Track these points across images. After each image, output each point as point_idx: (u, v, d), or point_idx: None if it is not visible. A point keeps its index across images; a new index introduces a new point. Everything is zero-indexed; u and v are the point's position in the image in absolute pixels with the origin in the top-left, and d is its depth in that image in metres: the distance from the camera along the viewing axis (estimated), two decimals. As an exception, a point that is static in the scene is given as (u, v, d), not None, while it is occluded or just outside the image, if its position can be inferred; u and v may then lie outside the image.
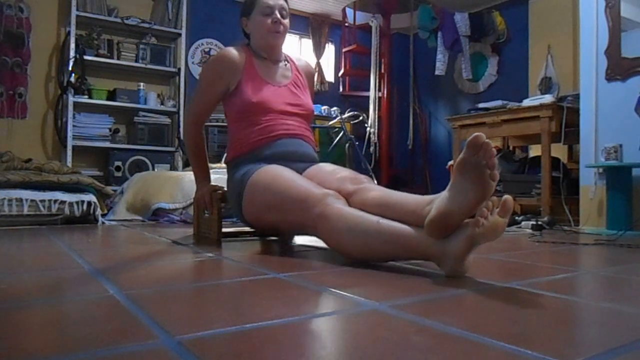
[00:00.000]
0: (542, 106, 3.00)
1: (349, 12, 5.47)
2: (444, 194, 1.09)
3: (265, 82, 1.75)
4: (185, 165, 4.15)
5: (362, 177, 1.47)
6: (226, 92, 1.76)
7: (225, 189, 1.81)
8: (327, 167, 1.63)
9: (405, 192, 1.30)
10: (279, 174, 1.52)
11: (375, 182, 4.18)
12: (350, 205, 1.34)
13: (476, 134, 1.01)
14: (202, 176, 1.86)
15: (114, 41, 4.15)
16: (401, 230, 1.16)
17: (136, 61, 4.16)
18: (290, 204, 1.41)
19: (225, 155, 1.88)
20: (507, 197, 0.99)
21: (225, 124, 4.28)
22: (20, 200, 2.42)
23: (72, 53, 3.81)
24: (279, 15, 1.76)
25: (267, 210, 1.52)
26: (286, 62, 1.87)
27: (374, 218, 1.22)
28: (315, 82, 5.44)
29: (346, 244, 1.26)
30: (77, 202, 2.58)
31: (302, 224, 1.40)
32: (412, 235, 1.14)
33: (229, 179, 1.75)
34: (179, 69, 4.30)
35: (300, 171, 1.62)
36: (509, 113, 3.21)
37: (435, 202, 1.10)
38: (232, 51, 1.76)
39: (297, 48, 5.55)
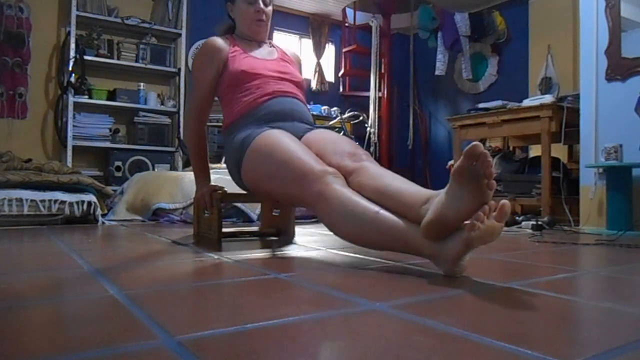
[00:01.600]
0: (542, 106, 3.00)
1: (349, 12, 5.47)
2: (442, 196, 1.08)
3: (251, 57, 1.80)
4: (185, 165, 4.15)
5: (362, 152, 1.45)
6: (218, 78, 1.78)
7: (226, 189, 1.81)
8: (327, 135, 1.61)
9: (403, 179, 1.29)
10: (280, 142, 1.51)
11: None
12: (348, 184, 1.33)
13: (474, 143, 1.02)
14: (203, 176, 1.86)
15: (114, 41, 4.15)
16: (398, 225, 1.16)
17: (136, 61, 4.16)
18: (289, 177, 1.41)
19: (223, 125, 1.88)
20: (504, 202, 0.99)
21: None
22: (21, 200, 2.42)
23: (72, 53, 3.81)
24: (262, 5, 1.79)
25: (267, 178, 1.52)
26: (272, 47, 1.92)
27: (374, 208, 1.21)
28: (314, 82, 5.44)
29: (344, 229, 1.27)
30: (77, 202, 2.58)
31: (300, 199, 1.40)
32: (408, 232, 1.14)
33: (227, 145, 1.76)
34: (179, 69, 4.30)
35: (299, 134, 1.63)
36: (509, 113, 3.21)
37: (432, 204, 1.10)
38: (215, 39, 1.81)
39: (297, 48, 5.55)
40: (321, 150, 1.49)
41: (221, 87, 1.79)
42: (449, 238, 1.07)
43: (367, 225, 1.20)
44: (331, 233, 1.32)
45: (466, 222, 1.05)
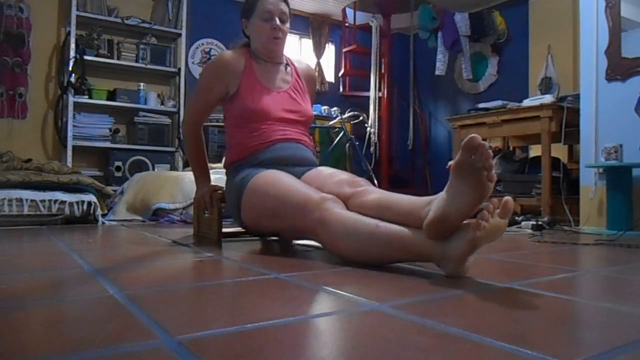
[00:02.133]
0: (542, 106, 3.00)
1: (349, 12, 5.47)
2: (442, 195, 1.08)
3: (264, 88, 1.73)
4: (185, 165, 4.15)
5: (361, 180, 1.46)
6: (225, 95, 1.75)
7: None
8: (326, 170, 1.63)
9: (404, 194, 1.30)
10: (278, 179, 1.51)
11: (376, 182, 4.19)
12: (348, 208, 1.34)
13: (471, 135, 1.01)
14: (202, 176, 1.86)
15: (114, 41, 4.15)
16: (400, 232, 1.16)
17: (136, 61, 4.16)
18: (289, 209, 1.41)
19: (223, 159, 1.87)
20: (507, 198, 0.99)
21: (223, 125, 4.28)
22: (21, 200, 2.42)
23: (72, 53, 3.81)
24: (278, 22, 1.72)
25: (266, 215, 1.52)
26: (287, 66, 1.85)
27: (373, 222, 1.21)
28: (316, 83, 5.45)
29: (346, 248, 1.26)
30: (77, 202, 2.58)
31: (301, 229, 1.40)
32: (411, 237, 1.14)
33: (227, 183, 1.74)
34: (179, 69, 4.30)
35: (299, 175, 1.62)
36: (509, 113, 3.21)
37: (433, 204, 1.10)
38: (232, 55, 1.75)
39: (297, 48, 5.55)
40: (321, 184, 1.50)
41: (229, 115, 1.76)
42: (453, 238, 1.07)
43: (369, 240, 1.20)
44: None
45: (469, 221, 1.05)
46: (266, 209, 1.51)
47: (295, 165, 1.68)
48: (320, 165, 1.76)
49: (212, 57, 1.85)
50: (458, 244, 1.05)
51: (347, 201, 1.37)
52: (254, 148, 1.68)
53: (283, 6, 1.74)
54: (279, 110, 1.72)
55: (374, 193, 1.35)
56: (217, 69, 1.73)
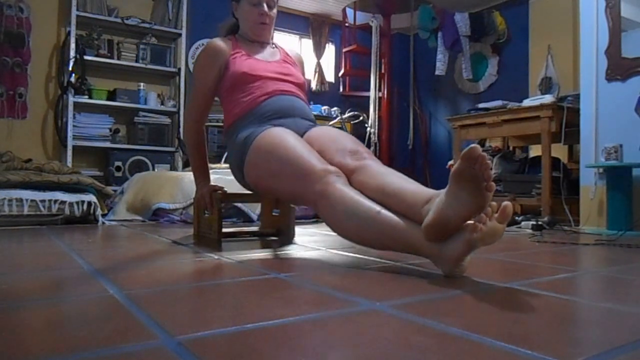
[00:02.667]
0: (542, 106, 2.99)
1: (349, 12, 5.47)
2: (442, 197, 1.08)
3: (253, 58, 1.79)
4: (185, 165, 4.15)
5: (363, 150, 1.45)
6: (219, 80, 1.78)
7: (226, 189, 1.81)
8: (329, 132, 1.60)
9: (404, 177, 1.29)
10: (282, 139, 1.50)
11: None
12: (351, 183, 1.33)
13: (472, 145, 1.01)
14: (202, 176, 1.86)
15: (114, 41, 4.15)
16: (399, 225, 1.16)
17: (136, 61, 4.16)
18: (291, 175, 1.41)
19: (223, 132, 1.88)
20: (506, 203, 0.99)
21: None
22: (21, 200, 2.42)
23: (72, 53, 3.81)
24: (266, 8, 1.79)
25: (269, 176, 1.53)
26: (274, 46, 1.91)
27: (374, 208, 1.21)
28: (314, 82, 5.44)
29: (345, 227, 1.27)
30: (77, 202, 2.58)
31: (302, 197, 1.40)
32: (409, 232, 1.14)
33: (229, 145, 1.76)
34: (179, 69, 4.30)
35: (302, 131, 1.62)
36: (509, 113, 3.21)
37: (433, 204, 1.10)
38: (218, 41, 1.81)
39: (297, 48, 5.55)
40: (323, 147, 1.49)
41: (222, 89, 1.79)
42: (450, 239, 1.07)
43: (368, 225, 1.20)
44: (332, 233, 1.33)
45: (467, 222, 1.05)
46: (269, 169, 1.51)
47: (297, 117, 1.69)
48: None
49: (200, 52, 1.85)
50: (455, 245, 1.05)
51: (350, 175, 1.36)
52: (251, 103, 1.70)
53: None
54: (270, 72, 1.76)
55: (377, 175, 1.32)
56: (207, 55, 1.78)
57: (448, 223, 1.05)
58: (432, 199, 1.12)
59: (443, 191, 1.09)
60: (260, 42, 1.86)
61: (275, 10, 1.84)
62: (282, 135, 1.53)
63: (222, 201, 1.79)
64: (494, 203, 1.01)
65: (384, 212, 1.19)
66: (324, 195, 1.30)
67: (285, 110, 1.69)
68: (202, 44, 4.72)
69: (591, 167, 2.65)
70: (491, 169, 1.01)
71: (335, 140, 1.53)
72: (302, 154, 1.42)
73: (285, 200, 1.61)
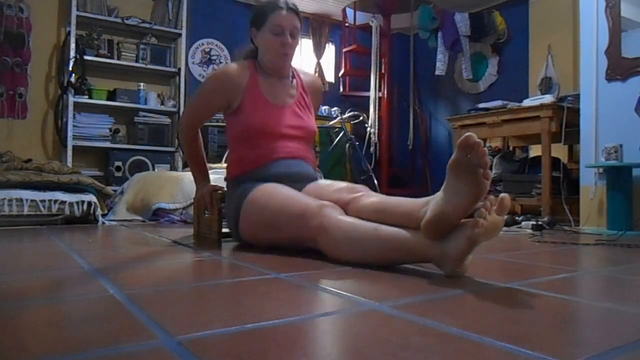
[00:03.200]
0: (542, 106, 3.00)
1: (349, 12, 5.47)
2: (439, 194, 1.09)
3: (268, 103, 1.69)
4: (185, 165, 4.15)
5: (360, 186, 1.48)
6: (226, 107, 1.72)
7: (226, 189, 1.81)
8: (324, 181, 1.64)
9: (402, 197, 1.31)
10: (276, 191, 1.50)
11: (376, 182, 4.18)
12: (347, 213, 1.34)
13: (467, 134, 1.01)
14: (201, 176, 1.86)
15: (114, 41, 4.15)
16: (398, 234, 1.16)
17: (136, 61, 4.16)
18: (288, 219, 1.41)
19: (225, 169, 1.84)
20: (504, 195, 1.00)
21: (223, 125, 4.28)
22: (21, 200, 2.42)
23: (72, 53, 3.81)
24: (289, 38, 1.67)
25: (265, 228, 1.51)
26: (292, 78, 1.80)
27: (371, 225, 1.22)
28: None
29: (346, 253, 1.26)
30: (77, 202, 2.58)
31: (301, 239, 1.40)
32: (409, 238, 1.14)
33: (227, 197, 1.73)
34: (179, 69, 4.30)
35: (299, 190, 1.60)
36: (509, 113, 3.21)
37: (430, 204, 1.10)
38: (236, 69, 1.70)
39: (297, 48, 5.54)
40: (318, 193, 1.50)
41: (232, 129, 1.73)
42: (451, 237, 1.07)
43: (368, 244, 1.20)
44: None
45: (466, 220, 1.05)
46: (264, 220, 1.50)
47: (297, 182, 1.65)
48: (320, 166, 1.76)
49: (217, 67, 1.77)
50: (456, 242, 1.05)
51: (346, 207, 1.37)
52: (256, 163, 1.65)
53: (296, 21, 1.68)
54: (282, 127, 1.68)
55: (373, 197, 1.36)
56: (220, 83, 1.69)
57: (447, 217, 1.06)
58: (429, 202, 1.13)
59: (439, 192, 1.10)
60: (277, 77, 1.76)
61: (297, 39, 1.72)
62: (275, 188, 1.53)
63: (222, 201, 1.79)
64: (492, 197, 1.01)
65: (382, 227, 1.20)
66: (323, 228, 1.30)
67: (287, 176, 1.64)
68: (202, 44, 4.72)
69: (591, 167, 2.65)
70: (487, 156, 1.02)
71: (330, 184, 1.56)
72: (296, 197, 1.44)
73: (285, 246, 1.53)
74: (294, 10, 1.68)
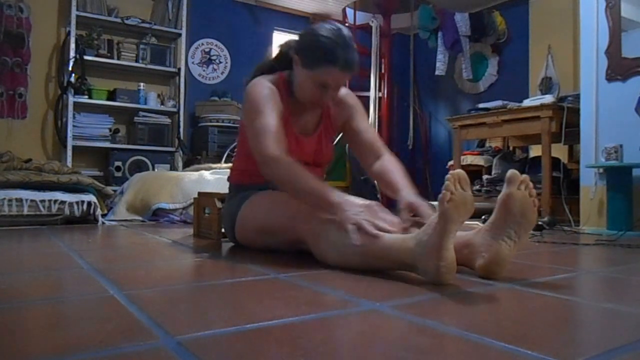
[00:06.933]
0: (542, 106, 2.99)
1: (349, 12, 5.47)
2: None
3: (292, 134, 1.53)
4: (185, 165, 4.15)
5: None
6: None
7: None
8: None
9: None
10: (271, 197, 1.48)
11: (376, 183, 4.18)
12: None
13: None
14: (325, 186, 1.32)
15: (114, 41, 4.15)
16: (380, 241, 1.12)
17: (136, 61, 4.16)
18: (280, 223, 1.40)
19: (227, 175, 1.77)
20: (458, 170, 1.00)
21: (223, 125, 4.28)
22: (20, 200, 2.42)
23: (72, 53, 3.80)
24: (333, 94, 1.48)
25: (259, 232, 1.49)
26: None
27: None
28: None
29: (329, 256, 1.24)
30: (77, 202, 2.58)
31: (293, 242, 1.39)
32: (389, 245, 1.11)
33: (227, 200, 1.70)
34: (179, 69, 4.30)
35: None
36: (510, 113, 3.20)
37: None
38: (270, 84, 1.50)
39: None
40: None
41: (248, 140, 1.50)
42: (424, 228, 1.04)
43: (349, 250, 1.17)
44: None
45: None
46: (258, 226, 1.48)
47: None
48: None
49: (251, 86, 1.49)
50: (430, 229, 1.00)
51: None
52: (262, 178, 1.46)
53: (346, 79, 1.47)
54: (299, 156, 1.47)
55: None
56: (269, 89, 1.47)
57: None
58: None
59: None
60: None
61: (343, 90, 1.54)
62: (271, 194, 1.50)
63: (222, 202, 1.79)
64: (452, 172, 0.99)
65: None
66: (311, 232, 1.29)
67: None
68: (202, 44, 4.72)
69: (591, 167, 2.65)
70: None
71: None
72: (289, 201, 1.39)
73: (281, 250, 1.48)
74: (350, 69, 1.41)
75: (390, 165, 1.54)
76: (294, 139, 1.53)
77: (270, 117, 1.40)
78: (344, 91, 1.63)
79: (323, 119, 1.63)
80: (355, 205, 1.22)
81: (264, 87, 1.47)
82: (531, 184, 1.07)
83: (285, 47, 1.56)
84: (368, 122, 1.68)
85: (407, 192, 1.38)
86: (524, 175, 1.06)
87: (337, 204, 1.23)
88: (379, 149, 1.61)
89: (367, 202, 1.25)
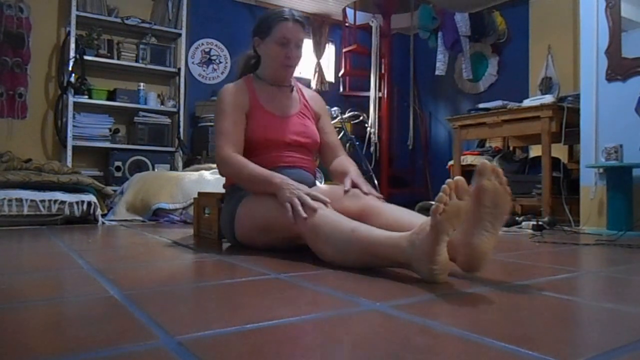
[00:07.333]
0: (542, 106, 2.99)
1: (349, 12, 5.47)
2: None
3: (270, 115, 1.66)
4: (185, 165, 4.15)
5: (357, 191, 1.51)
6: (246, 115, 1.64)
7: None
8: (323, 186, 1.65)
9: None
10: (268, 196, 1.47)
11: (376, 182, 4.18)
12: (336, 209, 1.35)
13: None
14: (269, 173, 1.48)
15: (114, 41, 4.15)
16: (373, 239, 1.13)
17: (136, 61, 4.16)
18: (277, 220, 1.41)
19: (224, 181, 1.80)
20: (458, 178, 0.98)
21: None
22: (20, 200, 2.42)
23: (72, 53, 3.80)
24: (294, 50, 1.64)
25: (258, 231, 1.50)
26: (292, 89, 1.77)
27: (349, 226, 1.20)
28: (314, 82, 5.43)
29: (325, 252, 1.26)
30: (77, 202, 2.58)
31: (291, 238, 1.40)
32: (383, 243, 1.11)
33: (225, 203, 1.71)
34: (179, 69, 4.30)
35: None
36: (510, 113, 3.20)
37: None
38: (235, 88, 1.67)
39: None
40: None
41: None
42: (418, 232, 1.03)
43: (345, 245, 1.18)
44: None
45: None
46: (257, 224, 1.49)
47: None
48: (320, 167, 1.76)
49: (218, 93, 1.68)
50: (423, 234, 1.01)
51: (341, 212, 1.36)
52: None
53: (302, 33, 1.66)
54: (285, 136, 1.63)
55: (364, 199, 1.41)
56: (230, 93, 1.64)
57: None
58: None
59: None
60: (278, 86, 1.72)
61: (301, 51, 1.69)
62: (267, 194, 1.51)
63: (222, 202, 1.79)
64: (449, 180, 0.98)
65: (360, 228, 1.18)
66: (307, 226, 1.30)
67: None
68: (202, 44, 4.72)
69: (591, 167, 2.65)
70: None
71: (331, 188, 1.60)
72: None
73: (280, 247, 1.51)
74: (300, 22, 1.66)
75: (345, 161, 1.73)
76: (278, 121, 1.66)
77: (226, 122, 1.59)
78: (313, 92, 1.87)
79: (300, 101, 1.77)
80: (291, 185, 1.39)
81: (227, 93, 1.64)
82: (501, 172, 1.04)
83: (244, 54, 1.81)
84: (332, 126, 1.87)
85: (353, 174, 1.57)
86: (493, 164, 1.03)
87: (276, 185, 1.41)
88: (339, 151, 1.79)
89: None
